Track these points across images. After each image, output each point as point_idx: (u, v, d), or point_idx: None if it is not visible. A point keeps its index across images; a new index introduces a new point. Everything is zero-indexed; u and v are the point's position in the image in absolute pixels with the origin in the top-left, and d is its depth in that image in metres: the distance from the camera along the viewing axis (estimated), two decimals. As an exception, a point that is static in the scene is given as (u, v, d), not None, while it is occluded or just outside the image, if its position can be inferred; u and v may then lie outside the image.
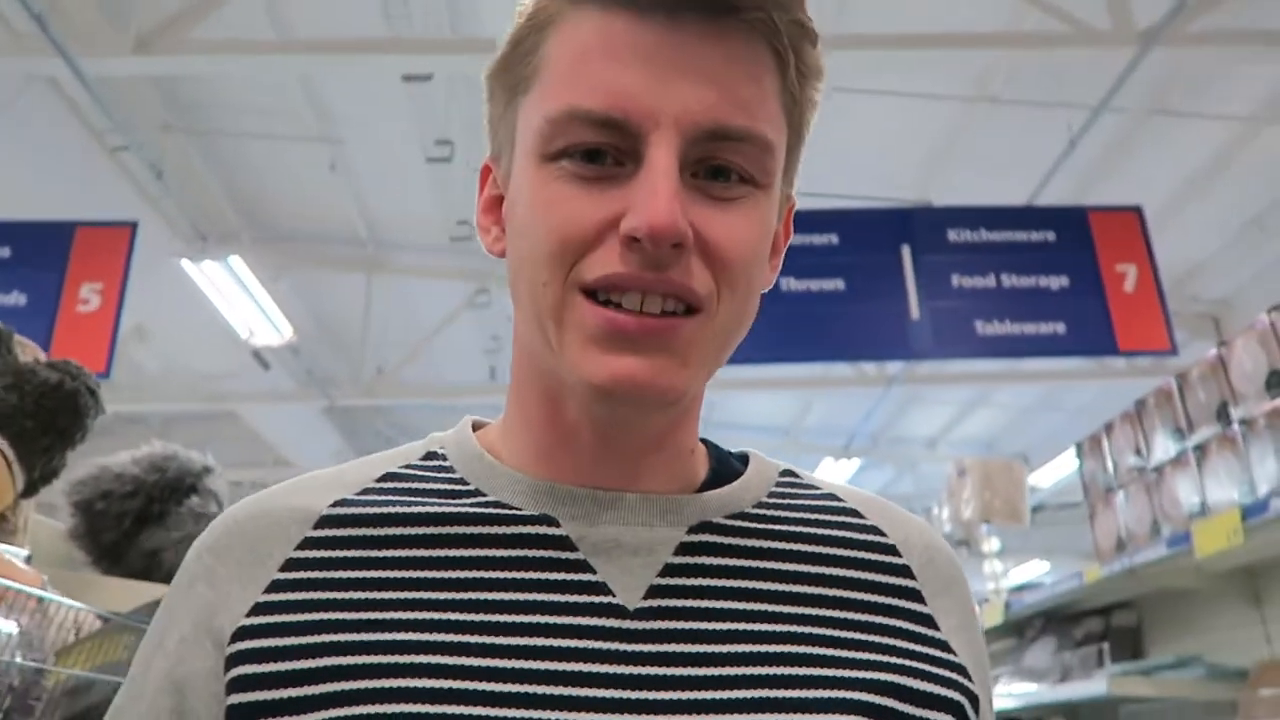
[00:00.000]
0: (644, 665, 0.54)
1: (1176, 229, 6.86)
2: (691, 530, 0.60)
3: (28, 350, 1.17)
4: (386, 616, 0.55)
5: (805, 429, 12.36)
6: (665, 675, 0.54)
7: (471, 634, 0.55)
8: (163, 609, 0.62)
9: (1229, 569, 2.14)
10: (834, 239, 4.70)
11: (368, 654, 0.53)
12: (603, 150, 0.55)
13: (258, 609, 0.57)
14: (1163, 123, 5.89)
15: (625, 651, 0.55)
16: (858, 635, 0.59)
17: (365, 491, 0.63)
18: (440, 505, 0.61)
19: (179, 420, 10.82)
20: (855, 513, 0.67)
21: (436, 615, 0.55)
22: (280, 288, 7.43)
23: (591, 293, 0.55)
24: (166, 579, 1.51)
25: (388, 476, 0.65)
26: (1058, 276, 4.59)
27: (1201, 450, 1.96)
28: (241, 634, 0.56)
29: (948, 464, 4.73)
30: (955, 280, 4.65)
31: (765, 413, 12.35)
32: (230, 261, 5.47)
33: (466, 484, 0.62)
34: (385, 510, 0.61)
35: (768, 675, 0.55)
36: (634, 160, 0.55)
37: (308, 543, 0.60)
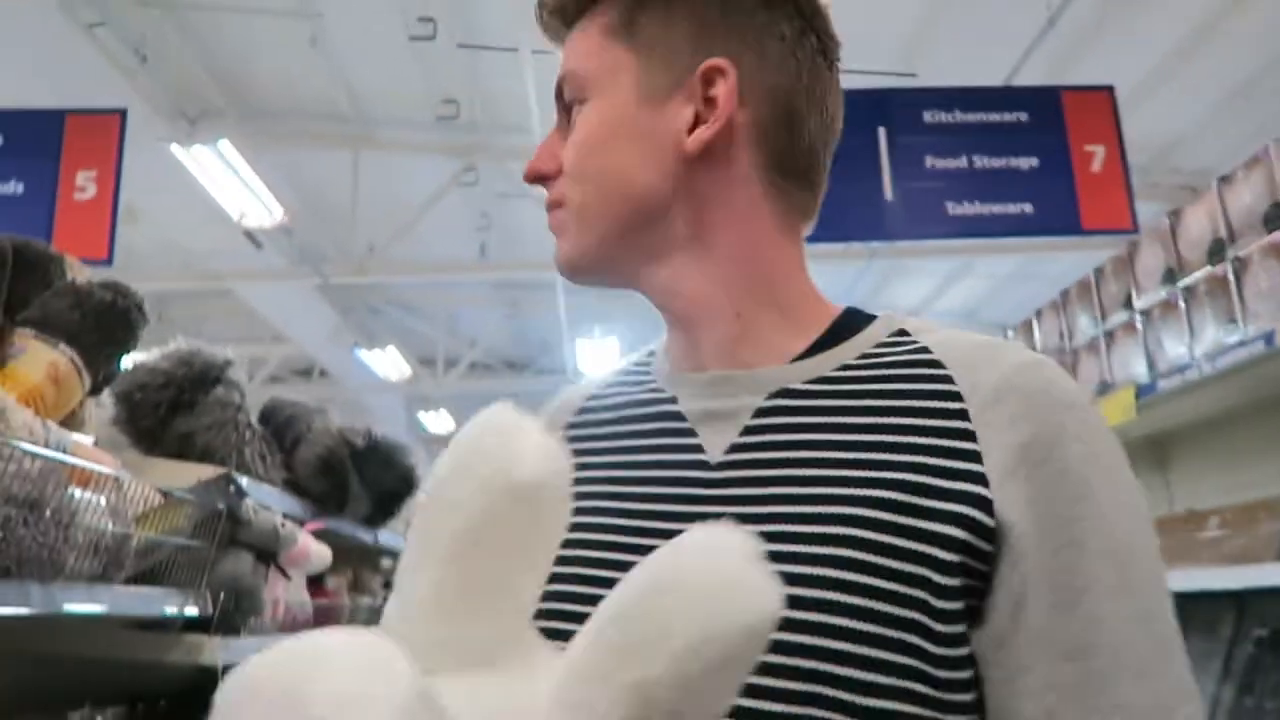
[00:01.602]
0: (714, 505, 0.66)
1: (1159, 100, 6.92)
2: (770, 396, 0.69)
3: (78, 271, 1.37)
4: (577, 472, 0.68)
5: (791, 301, 12.56)
6: (726, 513, 0.63)
7: (612, 484, 0.72)
8: None
9: (1140, 437, 2.40)
10: (812, 121, 4.79)
11: None
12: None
13: None
14: (1145, -5, 5.88)
15: (703, 495, 0.67)
16: (879, 470, 0.63)
17: (605, 384, 0.83)
18: (629, 394, 0.79)
19: (175, 298, 10.97)
20: (937, 364, 0.68)
21: (598, 471, 0.73)
22: (266, 166, 7.47)
23: None
24: (199, 458, 1.76)
25: (618, 373, 0.85)
26: (1028, 157, 4.72)
27: (1110, 335, 2.19)
28: None
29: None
30: (929, 161, 4.77)
31: (752, 285, 12.52)
32: (219, 145, 5.52)
33: (652, 378, 0.79)
34: (601, 399, 0.81)
35: (789, 532, 0.62)
36: None
37: (568, 426, 0.80)
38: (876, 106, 4.85)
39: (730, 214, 0.73)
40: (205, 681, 1.32)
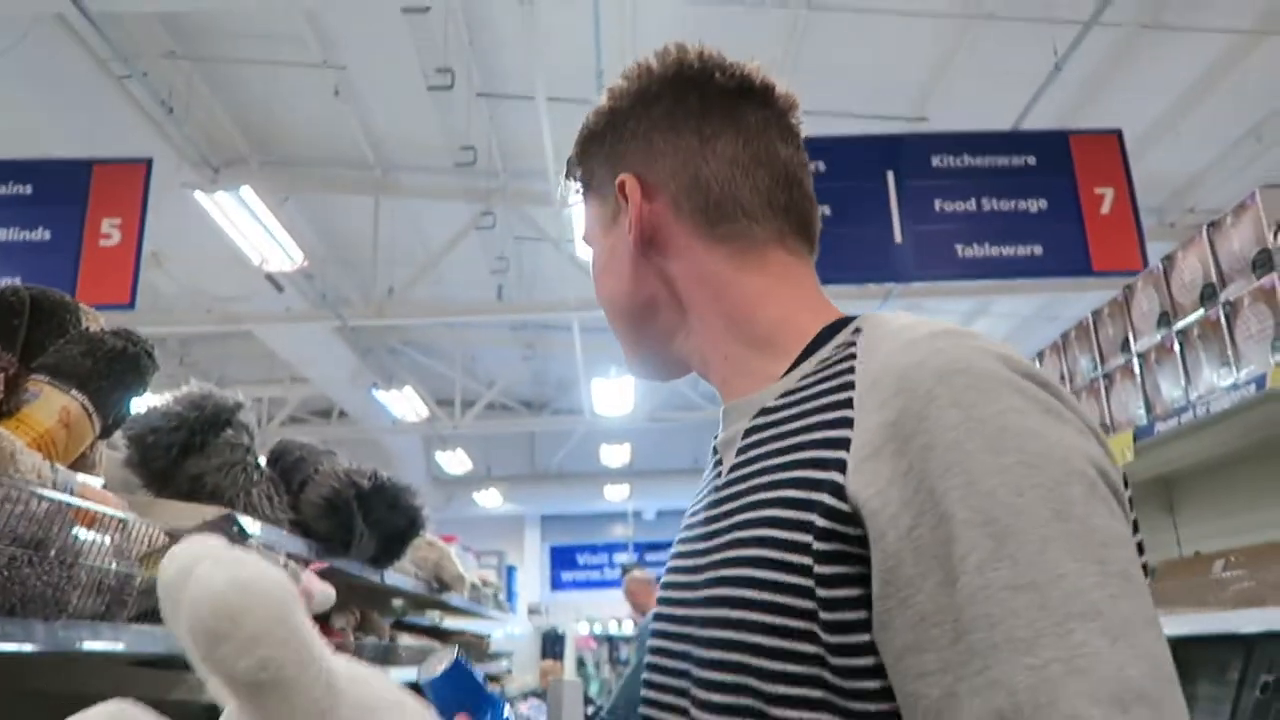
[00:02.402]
0: (716, 523, 0.74)
1: (1171, 142, 6.95)
2: (755, 416, 0.76)
3: (93, 319, 1.42)
4: None
5: (807, 342, 12.56)
6: (719, 528, 0.73)
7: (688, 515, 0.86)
8: None
9: (1146, 479, 2.40)
10: (822, 166, 4.86)
11: None
12: None
13: None
14: (1158, 36, 5.94)
15: (709, 515, 0.77)
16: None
17: None
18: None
19: (197, 341, 11.14)
20: (851, 356, 0.71)
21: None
22: (289, 211, 7.62)
23: None
24: (209, 499, 1.80)
25: None
26: (1037, 200, 4.76)
27: (1109, 378, 2.20)
28: None
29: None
30: (937, 205, 4.82)
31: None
32: (241, 192, 5.65)
33: None
34: None
35: (731, 539, 0.71)
36: None
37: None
38: (885, 151, 4.91)
39: (690, 278, 0.83)
40: (211, 718, 1.35)
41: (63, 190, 4.61)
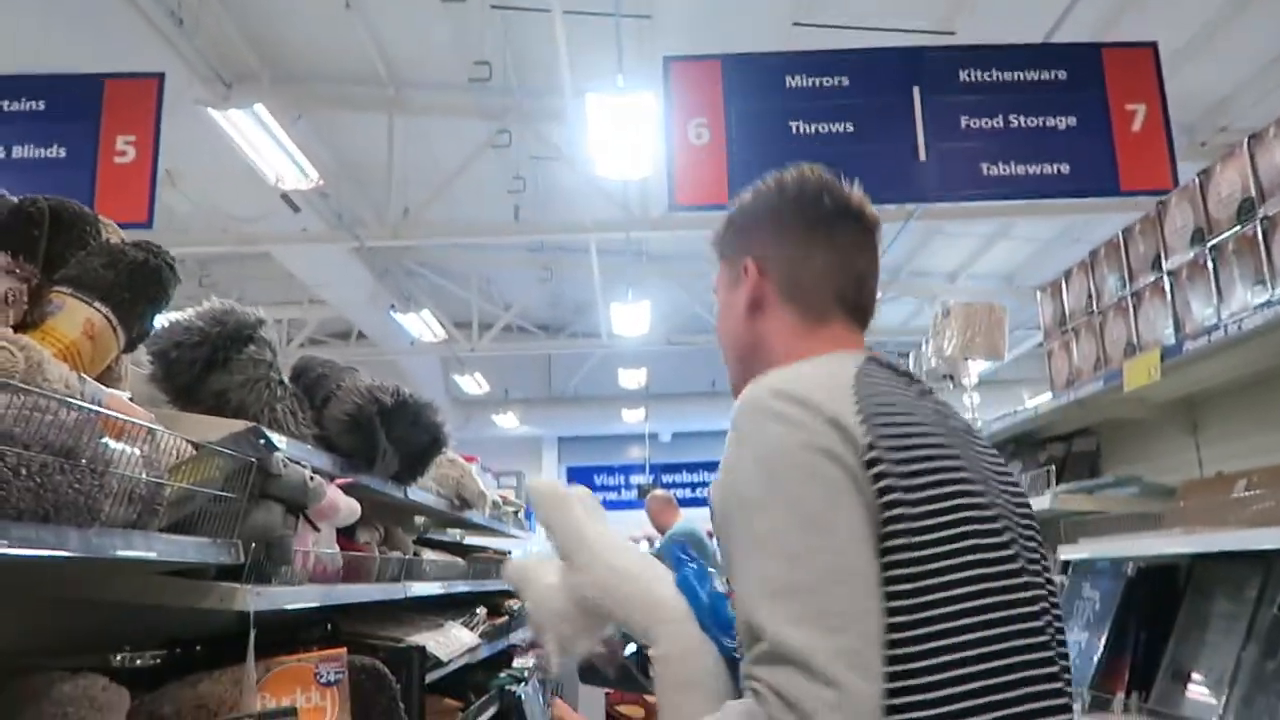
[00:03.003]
0: None
1: (1207, 58, 6.73)
2: None
3: (113, 231, 1.41)
4: None
5: (825, 264, 12.43)
6: None
7: None
8: None
9: (1170, 400, 2.38)
10: (844, 81, 4.74)
11: None
12: None
13: None
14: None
15: None
16: None
17: None
18: None
19: (215, 261, 11.14)
20: None
21: None
22: (303, 129, 7.53)
23: None
24: (233, 415, 1.81)
25: None
26: (1066, 116, 4.63)
27: (1137, 296, 2.16)
28: None
29: (966, 297, 4.87)
30: (964, 122, 4.70)
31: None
32: (255, 109, 5.58)
33: None
34: None
35: None
36: None
37: None
38: (911, 65, 4.77)
39: (775, 336, 1.22)
40: (239, 627, 1.38)
41: (76, 106, 4.56)
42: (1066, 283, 2.66)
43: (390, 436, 2.13)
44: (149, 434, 1.15)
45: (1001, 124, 4.68)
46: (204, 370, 1.82)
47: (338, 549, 1.90)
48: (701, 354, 15.01)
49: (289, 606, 1.51)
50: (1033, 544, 1.05)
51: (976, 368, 3.10)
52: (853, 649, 0.85)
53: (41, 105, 4.57)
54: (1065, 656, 1.01)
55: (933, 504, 0.94)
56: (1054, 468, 2.64)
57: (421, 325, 10.99)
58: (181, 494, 1.24)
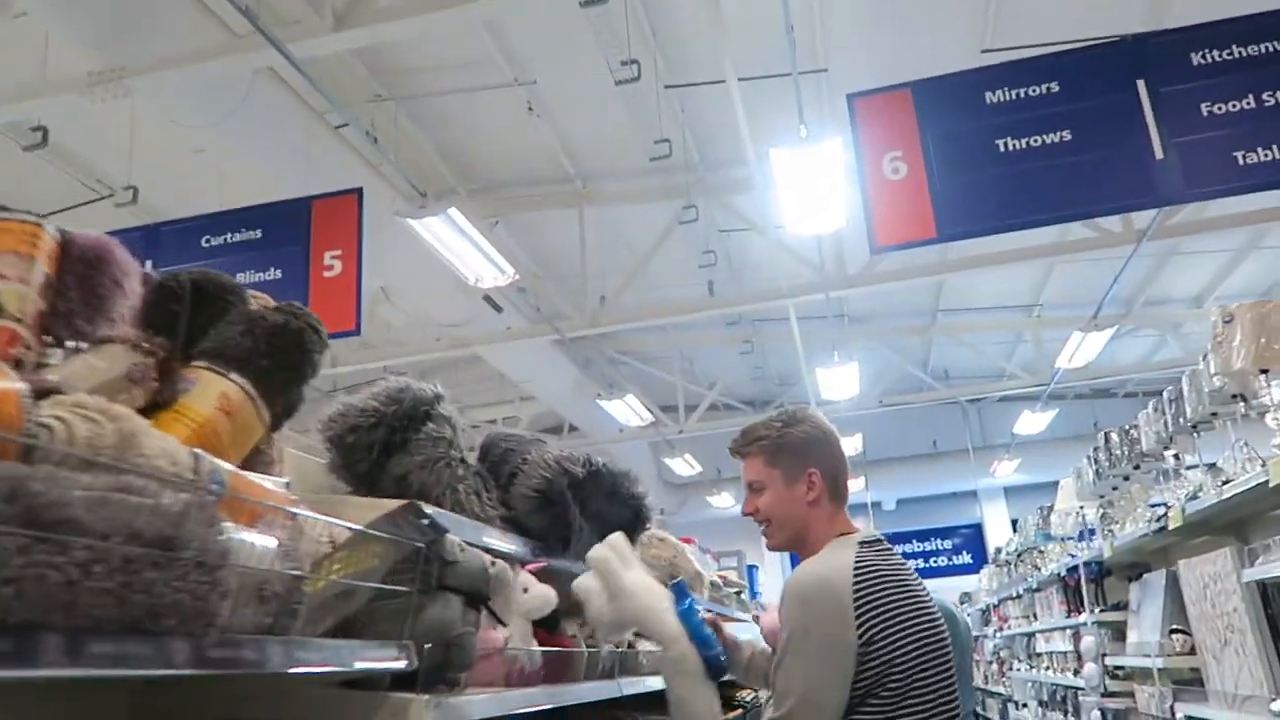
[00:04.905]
0: None
1: None
2: None
3: (259, 300, 1.29)
4: None
5: (1047, 302, 11.54)
6: None
7: None
8: None
9: None
10: (1054, 86, 4.27)
11: None
12: None
13: None
14: None
15: None
16: None
17: None
18: None
19: (431, 370, 11.73)
20: None
21: None
22: (499, 234, 7.79)
23: None
24: (417, 498, 1.64)
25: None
26: (1335, 82, 3.94)
27: None
28: None
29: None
30: (1204, 109, 4.10)
31: (999, 291, 11.62)
32: (449, 214, 5.77)
33: None
34: None
35: None
36: None
37: None
38: (1131, 57, 4.24)
39: (818, 524, 1.88)
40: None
41: (287, 230, 4.84)
42: None
43: (585, 513, 1.90)
44: (289, 520, 0.97)
45: (1253, 103, 4.04)
46: (383, 454, 1.67)
47: (535, 644, 1.66)
48: (918, 413, 14.18)
49: (477, 718, 1.27)
50: (944, 630, 1.80)
51: (1277, 381, 2.52)
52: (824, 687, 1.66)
53: (258, 234, 4.89)
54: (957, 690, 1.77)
55: (898, 639, 1.69)
56: None
57: (628, 411, 11.00)
58: (334, 590, 1.05)
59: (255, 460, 1.17)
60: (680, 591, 1.86)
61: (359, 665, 1.04)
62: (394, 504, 1.31)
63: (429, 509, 1.31)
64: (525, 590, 1.62)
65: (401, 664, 1.14)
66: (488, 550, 1.46)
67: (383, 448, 1.68)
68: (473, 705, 1.26)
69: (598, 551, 1.80)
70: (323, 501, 1.29)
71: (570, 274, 9.26)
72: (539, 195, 8.80)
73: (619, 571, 1.81)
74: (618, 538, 1.86)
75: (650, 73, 6.91)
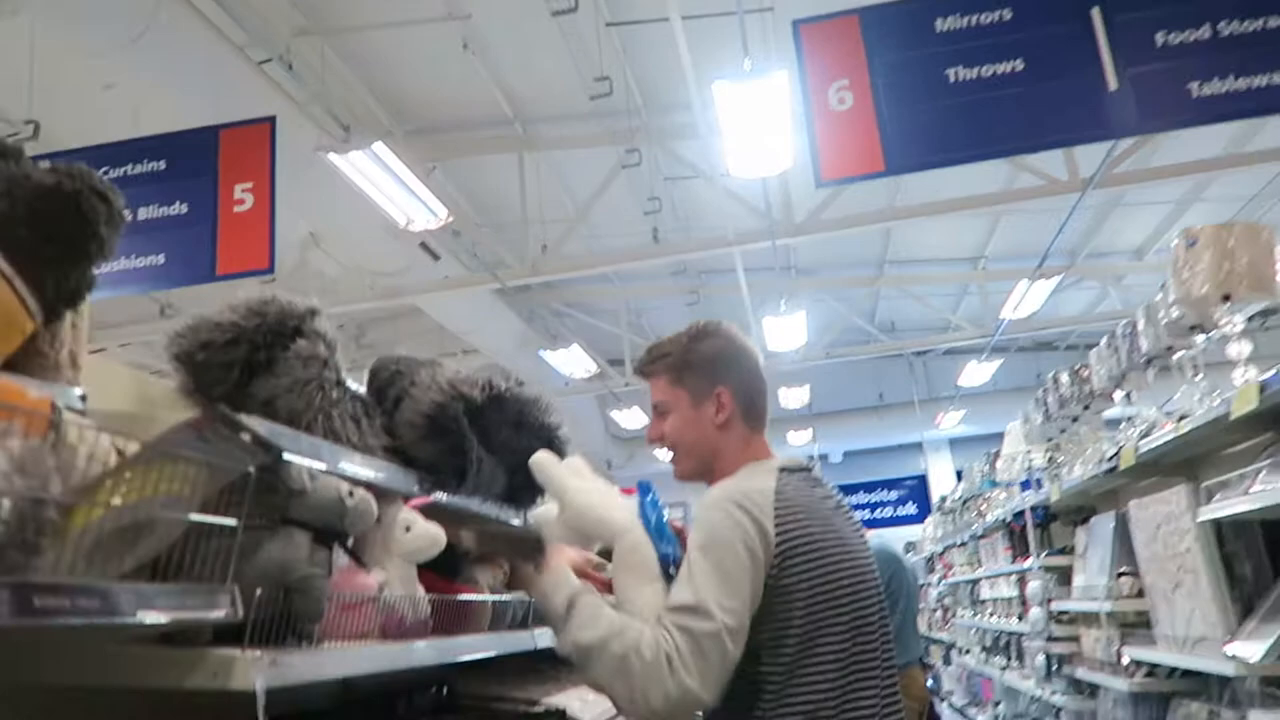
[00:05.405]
0: None
1: None
2: None
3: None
4: None
5: (992, 255, 11.52)
6: None
7: None
8: None
9: None
10: (1007, 14, 4.08)
11: None
12: None
13: None
14: None
15: None
16: None
17: None
18: None
19: (371, 322, 11.36)
20: None
21: None
22: (438, 179, 7.45)
23: None
24: (286, 425, 1.41)
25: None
26: (1292, 10, 3.80)
27: None
28: None
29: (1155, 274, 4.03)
30: (1160, 38, 3.95)
31: (945, 244, 11.56)
32: (374, 149, 5.43)
33: None
34: None
35: None
36: None
37: None
38: (1086, -16, 4.06)
39: (729, 448, 1.74)
40: (237, 711, 0.93)
41: (194, 161, 4.49)
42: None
43: (489, 445, 1.68)
44: (46, 431, 0.73)
45: (1208, 33, 3.90)
46: (244, 375, 1.43)
47: (421, 591, 1.44)
48: (865, 365, 14.16)
49: (327, 676, 1.05)
50: (873, 575, 1.65)
51: (1240, 310, 2.38)
52: (733, 612, 1.48)
53: (163, 164, 4.53)
54: (888, 640, 1.63)
55: (813, 587, 1.54)
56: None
57: (573, 363, 10.77)
58: (132, 519, 0.82)
59: (29, 363, 0.93)
60: (644, 488, 1.72)
61: (148, 616, 0.81)
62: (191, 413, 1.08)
63: (255, 421, 1.07)
64: (408, 529, 1.39)
65: (220, 613, 0.91)
66: (353, 481, 1.23)
67: (244, 368, 1.43)
68: (323, 662, 1.04)
69: (540, 455, 1.64)
70: (132, 418, 1.04)
71: (512, 222, 8.95)
72: (478, 139, 8.45)
73: (563, 475, 1.63)
74: (578, 458, 1.73)
75: (590, 7, 6.60)
